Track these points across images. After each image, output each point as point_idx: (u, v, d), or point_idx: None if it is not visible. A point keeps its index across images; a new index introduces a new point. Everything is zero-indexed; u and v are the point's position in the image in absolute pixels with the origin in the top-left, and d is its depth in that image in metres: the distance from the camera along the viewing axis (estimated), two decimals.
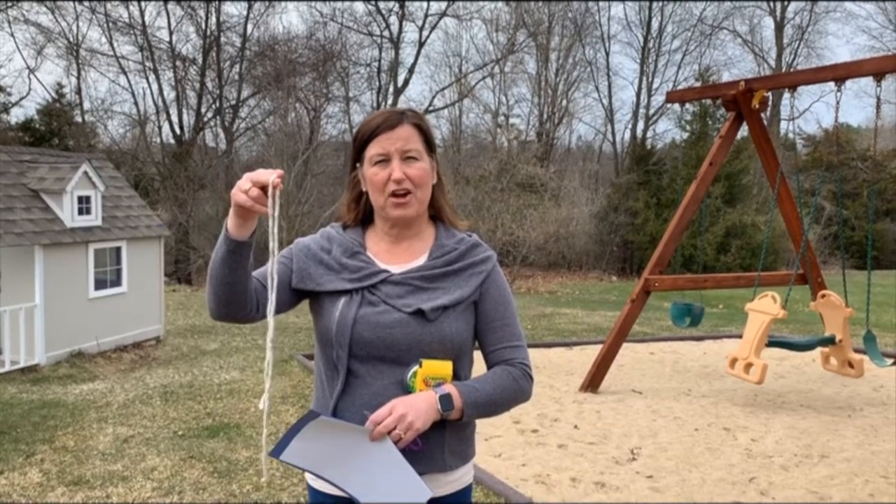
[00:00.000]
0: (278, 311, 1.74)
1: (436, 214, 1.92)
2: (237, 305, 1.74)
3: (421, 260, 1.85)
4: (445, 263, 1.84)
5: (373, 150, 1.79)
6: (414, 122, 1.82)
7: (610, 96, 33.30)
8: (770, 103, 7.95)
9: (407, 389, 1.73)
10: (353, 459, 1.67)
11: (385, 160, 1.78)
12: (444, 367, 1.74)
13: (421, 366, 1.72)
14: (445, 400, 1.69)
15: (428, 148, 1.84)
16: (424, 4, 34.22)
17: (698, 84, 27.01)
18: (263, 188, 1.58)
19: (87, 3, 26.96)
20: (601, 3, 39.11)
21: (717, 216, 24.32)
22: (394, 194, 1.78)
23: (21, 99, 27.41)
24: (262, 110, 29.31)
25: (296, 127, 26.60)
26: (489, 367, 1.86)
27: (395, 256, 1.86)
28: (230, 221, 1.65)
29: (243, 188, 1.58)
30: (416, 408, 1.66)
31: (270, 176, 1.57)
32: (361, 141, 1.82)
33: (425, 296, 1.78)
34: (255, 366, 8.83)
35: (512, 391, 1.81)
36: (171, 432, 6.11)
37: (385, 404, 1.67)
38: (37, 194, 9.64)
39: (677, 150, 28.12)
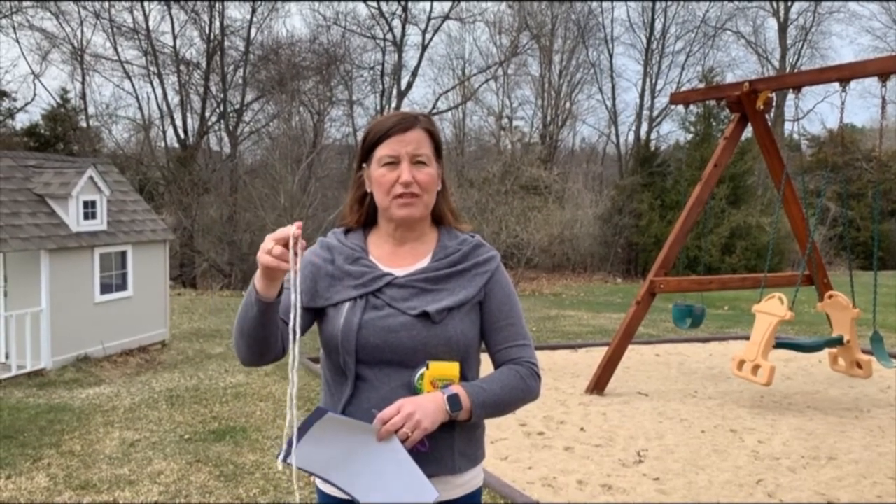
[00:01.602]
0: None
1: (438, 220, 1.92)
2: (270, 353, 1.78)
3: (424, 262, 1.85)
4: (449, 265, 1.83)
5: (383, 151, 1.79)
6: (426, 128, 1.83)
7: (613, 98, 33.34)
8: (774, 104, 7.93)
9: (414, 392, 1.73)
10: (359, 460, 1.67)
11: (394, 162, 1.78)
12: (452, 369, 1.74)
13: (428, 368, 1.72)
14: (453, 400, 1.69)
15: (436, 154, 1.85)
16: (427, 7, 34.25)
17: (702, 85, 26.98)
18: (286, 244, 1.58)
19: (90, 7, 27.10)
20: (604, 5, 39.09)
21: (722, 217, 24.28)
22: (400, 196, 1.78)
23: (26, 104, 27.58)
24: (266, 114, 29.39)
25: (300, 130, 26.63)
26: (496, 366, 1.86)
27: (398, 259, 1.86)
28: (259, 283, 1.65)
29: (266, 248, 1.59)
30: (423, 407, 1.66)
31: (291, 229, 1.58)
32: (372, 141, 1.82)
33: (430, 298, 1.78)
34: (260, 369, 8.84)
35: (520, 390, 1.81)
36: (177, 436, 6.11)
37: None
38: (42, 199, 9.66)
39: (681, 152, 28.07)
